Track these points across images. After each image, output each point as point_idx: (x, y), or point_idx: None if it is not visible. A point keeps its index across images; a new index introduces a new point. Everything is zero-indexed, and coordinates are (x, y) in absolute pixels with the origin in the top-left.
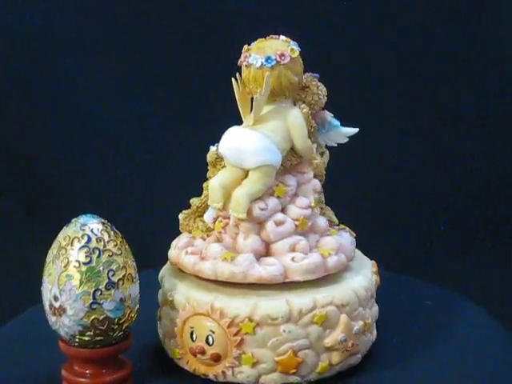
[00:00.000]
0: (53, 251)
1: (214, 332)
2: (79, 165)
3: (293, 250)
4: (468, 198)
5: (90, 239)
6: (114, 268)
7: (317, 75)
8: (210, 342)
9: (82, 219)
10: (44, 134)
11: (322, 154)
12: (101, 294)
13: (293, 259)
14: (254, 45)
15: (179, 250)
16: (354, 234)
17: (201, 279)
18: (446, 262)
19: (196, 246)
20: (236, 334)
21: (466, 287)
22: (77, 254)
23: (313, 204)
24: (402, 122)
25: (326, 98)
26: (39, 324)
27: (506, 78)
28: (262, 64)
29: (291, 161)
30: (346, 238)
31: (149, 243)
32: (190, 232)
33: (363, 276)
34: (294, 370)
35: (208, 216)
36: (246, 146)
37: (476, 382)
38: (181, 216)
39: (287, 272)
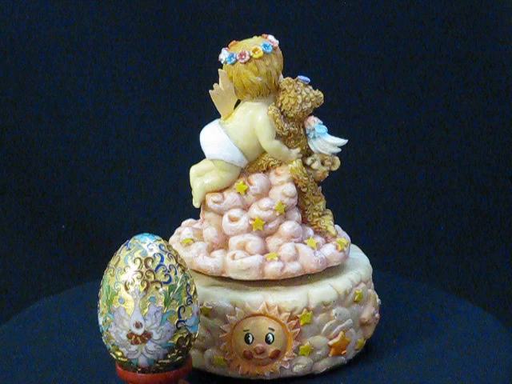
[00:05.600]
0: (118, 278)
1: (273, 329)
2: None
3: (243, 247)
4: (468, 198)
5: (162, 258)
6: (189, 282)
7: (306, 79)
8: (270, 340)
9: (143, 239)
10: (36, 132)
11: (313, 162)
12: (184, 311)
13: (233, 256)
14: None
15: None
16: (340, 249)
17: (225, 280)
18: (445, 262)
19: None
20: (295, 327)
21: (465, 287)
22: (155, 275)
23: (274, 207)
24: (401, 121)
25: (312, 103)
26: (40, 325)
27: (506, 79)
28: (225, 60)
29: (267, 161)
30: (325, 250)
31: None
32: None
33: (363, 253)
34: (344, 352)
35: None
36: (202, 138)
37: (476, 381)
38: None
39: (223, 267)
